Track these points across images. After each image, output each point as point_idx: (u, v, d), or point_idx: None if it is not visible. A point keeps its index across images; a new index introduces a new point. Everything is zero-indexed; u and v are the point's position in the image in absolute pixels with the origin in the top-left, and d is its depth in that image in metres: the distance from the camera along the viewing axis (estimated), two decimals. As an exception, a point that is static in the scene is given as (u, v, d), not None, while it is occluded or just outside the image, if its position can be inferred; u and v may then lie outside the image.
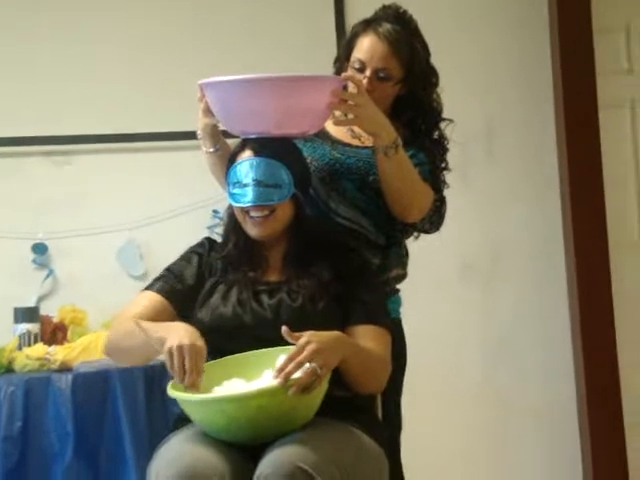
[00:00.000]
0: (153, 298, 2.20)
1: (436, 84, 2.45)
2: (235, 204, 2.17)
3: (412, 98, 2.41)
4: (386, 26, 2.35)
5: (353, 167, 2.38)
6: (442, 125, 2.47)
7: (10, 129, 3.84)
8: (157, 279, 2.26)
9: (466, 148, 3.78)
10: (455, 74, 3.67)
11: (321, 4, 3.97)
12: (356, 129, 2.39)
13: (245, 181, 2.13)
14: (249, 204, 2.13)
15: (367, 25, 2.39)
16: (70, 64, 3.89)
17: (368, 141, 2.36)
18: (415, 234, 2.48)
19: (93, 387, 3.11)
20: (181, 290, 2.21)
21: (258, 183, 2.12)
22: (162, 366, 3.30)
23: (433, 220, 2.40)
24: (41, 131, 3.85)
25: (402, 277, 2.48)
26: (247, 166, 2.14)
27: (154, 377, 3.16)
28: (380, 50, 2.33)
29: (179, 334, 1.95)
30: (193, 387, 1.92)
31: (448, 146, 2.48)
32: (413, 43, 2.37)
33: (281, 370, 1.86)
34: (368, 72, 2.33)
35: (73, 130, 3.86)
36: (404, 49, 2.35)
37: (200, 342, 1.95)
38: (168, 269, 2.27)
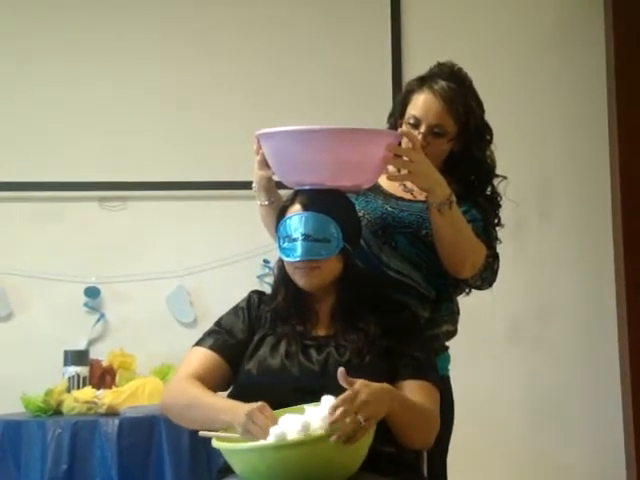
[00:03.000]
0: (206, 355, 2.20)
1: (490, 141, 2.45)
2: (285, 258, 2.18)
3: (466, 154, 2.42)
4: (441, 83, 2.37)
5: (405, 221, 2.38)
6: (495, 182, 2.47)
7: (67, 174, 3.91)
8: (208, 334, 2.26)
9: (519, 208, 3.76)
10: (510, 133, 3.70)
11: (378, 59, 4.02)
12: (409, 184, 2.39)
13: (294, 235, 2.14)
14: (297, 259, 2.14)
15: (422, 82, 2.41)
16: (127, 111, 3.97)
17: (420, 195, 2.36)
18: (466, 290, 2.46)
19: (139, 433, 3.12)
20: (232, 344, 2.21)
21: (306, 238, 2.13)
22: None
23: (485, 276, 2.39)
24: (97, 177, 3.92)
25: (452, 333, 2.46)
26: (296, 220, 2.15)
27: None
28: (435, 107, 2.35)
29: (241, 409, 1.96)
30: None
31: (501, 203, 2.47)
32: (468, 100, 2.38)
33: (332, 413, 1.84)
34: (423, 128, 2.34)
35: (129, 176, 3.92)
36: (459, 106, 2.36)
37: (264, 403, 1.97)
38: (218, 324, 2.28)
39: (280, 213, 2.22)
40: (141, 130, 3.97)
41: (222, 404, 2.06)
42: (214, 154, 3.93)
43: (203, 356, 2.20)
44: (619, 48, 4.00)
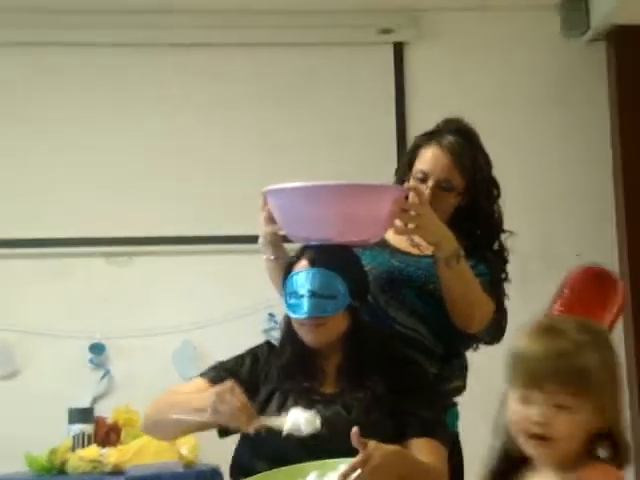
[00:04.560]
0: (203, 385, 2.19)
1: (498, 196, 2.45)
2: (291, 315, 2.16)
3: (473, 209, 2.41)
4: (448, 138, 2.37)
5: (413, 275, 2.37)
6: (503, 237, 2.46)
7: (72, 230, 3.92)
8: (211, 368, 2.26)
9: (524, 261, 3.76)
10: (515, 187, 3.70)
11: (383, 116, 4.05)
12: (416, 238, 2.39)
13: (301, 292, 2.13)
14: (303, 315, 2.12)
15: (430, 137, 2.41)
16: (133, 168, 4.00)
17: (427, 250, 2.35)
18: (474, 345, 2.44)
19: (144, 491, 3.09)
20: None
21: (313, 294, 2.11)
22: (214, 473, 3.29)
23: (492, 332, 2.37)
24: (102, 232, 3.93)
25: (461, 389, 2.44)
26: (303, 277, 2.14)
27: (205, 482, 3.13)
28: (442, 161, 2.35)
29: (210, 391, 2.04)
30: (244, 426, 1.96)
31: (508, 258, 2.47)
32: (475, 155, 2.39)
33: (344, 476, 1.82)
34: (430, 183, 2.34)
35: (134, 232, 3.93)
36: (466, 161, 2.36)
37: (232, 383, 2.03)
38: (222, 363, 2.27)
39: (287, 269, 2.21)
40: (145, 186, 3.99)
41: (192, 395, 2.11)
42: (219, 209, 3.94)
43: (199, 385, 2.19)
44: (622, 103, 4.03)
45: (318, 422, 2.00)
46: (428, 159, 2.37)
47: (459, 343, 2.40)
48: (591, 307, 2.54)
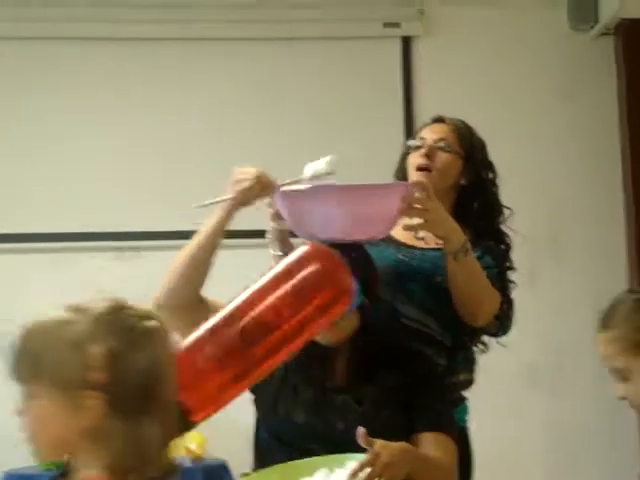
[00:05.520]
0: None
1: (494, 178, 2.47)
2: None
3: (474, 192, 2.42)
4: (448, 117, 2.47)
5: (419, 269, 2.37)
6: (504, 222, 2.47)
7: (80, 224, 3.92)
8: None
9: (534, 253, 3.76)
10: (523, 180, 3.71)
11: (390, 114, 4.05)
12: (421, 232, 2.39)
13: None
14: None
15: (430, 121, 2.50)
16: (138, 162, 4.01)
17: (432, 242, 2.35)
18: (483, 342, 2.44)
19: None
20: None
21: None
22: (221, 468, 3.29)
23: (500, 323, 2.37)
24: (111, 227, 3.93)
25: (469, 383, 2.43)
26: None
27: (213, 476, 3.13)
28: (441, 127, 2.43)
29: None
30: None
31: (511, 243, 2.46)
32: (474, 134, 2.45)
33: (353, 475, 1.83)
34: (429, 141, 2.39)
35: (142, 226, 3.93)
36: (465, 132, 2.43)
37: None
38: None
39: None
40: (157, 179, 3.99)
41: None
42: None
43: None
44: (631, 97, 4.03)
45: (335, 161, 2.08)
46: (427, 129, 2.45)
47: (466, 335, 2.40)
48: None
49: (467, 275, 2.23)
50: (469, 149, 2.41)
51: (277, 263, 2.40)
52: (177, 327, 2.16)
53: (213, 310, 2.14)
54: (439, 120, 2.47)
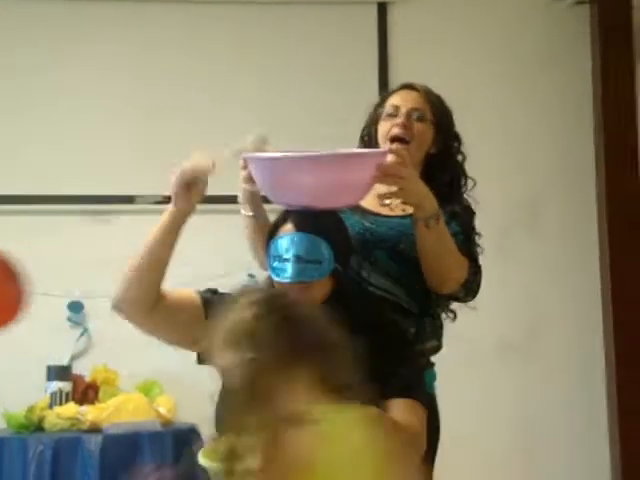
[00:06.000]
0: (190, 293, 2.20)
1: (460, 147, 2.49)
2: (275, 278, 2.15)
3: (442, 161, 2.44)
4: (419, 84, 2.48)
5: (384, 236, 2.37)
6: (468, 191, 2.48)
7: (51, 187, 3.89)
8: (207, 289, 2.26)
9: (507, 223, 3.77)
10: (498, 149, 3.71)
11: (365, 71, 4.04)
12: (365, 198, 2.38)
13: (285, 256, 2.11)
14: (288, 280, 2.11)
15: (398, 87, 2.50)
16: (114, 124, 3.97)
17: (398, 209, 2.36)
18: (451, 309, 2.45)
19: (122, 450, 3.10)
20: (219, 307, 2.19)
21: (298, 259, 2.10)
22: (191, 431, 3.30)
23: (468, 289, 2.37)
24: (81, 190, 3.90)
25: (437, 349, 2.44)
26: (288, 241, 2.13)
27: (184, 442, 3.13)
28: (412, 95, 2.44)
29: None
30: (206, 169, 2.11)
31: (475, 210, 2.47)
32: (442, 102, 2.46)
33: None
34: (403, 111, 2.39)
35: (113, 190, 3.90)
36: (435, 99, 2.44)
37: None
38: (220, 292, 2.26)
39: (271, 231, 2.20)
40: (127, 144, 3.96)
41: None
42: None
43: (186, 291, 2.21)
44: (605, 66, 4.03)
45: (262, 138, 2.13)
46: (399, 96, 2.45)
47: (433, 302, 2.41)
48: None
49: (438, 242, 2.23)
50: (440, 118, 2.43)
51: (248, 224, 2.40)
52: (138, 325, 2.20)
53: (173, 304, 2.15)
54: (409, 87, 2.46)
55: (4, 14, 4.01)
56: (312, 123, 3.90)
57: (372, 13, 4.13)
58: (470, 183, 2.49)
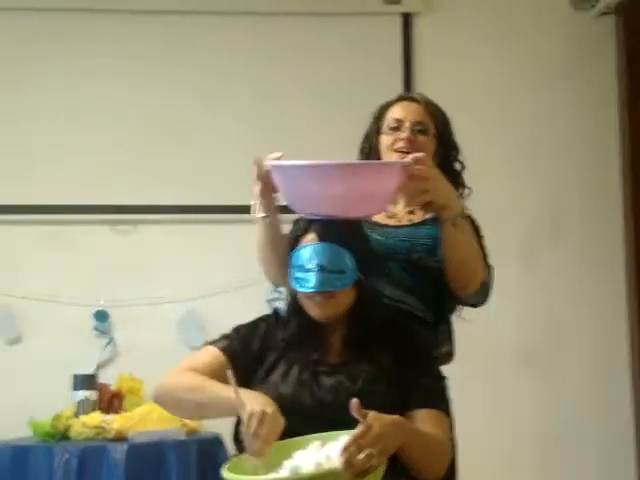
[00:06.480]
0: (214, 355, 2.18)
1: (458, 156, 2.49)
2: (298, 288, 2.15)
3: (442, 171, 2.41)
4: (417, 95, 2.50)
5: (395, 247, 2.37)
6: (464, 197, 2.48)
7: (78, 197, 3.92)
8: (224, 337, 2.24)
9: (532, 234, 3.76)
10: (522, 160, 3.70)
11: (389, 82, 4.02)
12: (391, 208, 2.38)
13: (308, 266, 2.12)
14: (312, 290, 2.11)
15: (397, 99, 2.50)
16: (139, 135, 4.00)
17: (404, 219, 2.38)
18: (458, 312, 2.45)
19: (147, 458, 3.11)
20: (244, 354, 2.19)
21: (321, 269, 2.10)
22: (216, 441, 3.31)
23: (486, 287, 2.36)
24: (108, 200, 3.93)
25: (450, 354, 2.44)
26: (311, 251, 2.13)
27: (208, 452, 3.14)
28: (413, 107, 2.44)
29: (262, 402, 1.97)
30: (259, 455, 1.91)
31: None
32: (442, 112, 2.46)
33: (346, 449, 1.83)
34: (407, 124, 2.39)
35: (139, 200, 3.93)
36: (436, 110, 2.45)
37: (281, 417, 1.96)
38: (237, 330, 2.25)
39: (293, 241, 2.20)
40: (153, 154, 3.98)
41: (215, 384, 2.07)
42: (225, 178, 3.93)
43: (211, 355, 2.18)
44: (630, 77, 4.02)
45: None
46: (401, 108, 2.45)
47: (445, 308, 2.41)
48: None
49: (464, 240, 2.23)
50: (442, 130, 2.44)
51: (260, 227, 2.36)
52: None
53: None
54: (409, 99, 2.47)
55: (10, 28, 4.04)
56: (332, 138, 3.89)
57: (397, 24, 4.14)
58: (467, 191, 2.49)
